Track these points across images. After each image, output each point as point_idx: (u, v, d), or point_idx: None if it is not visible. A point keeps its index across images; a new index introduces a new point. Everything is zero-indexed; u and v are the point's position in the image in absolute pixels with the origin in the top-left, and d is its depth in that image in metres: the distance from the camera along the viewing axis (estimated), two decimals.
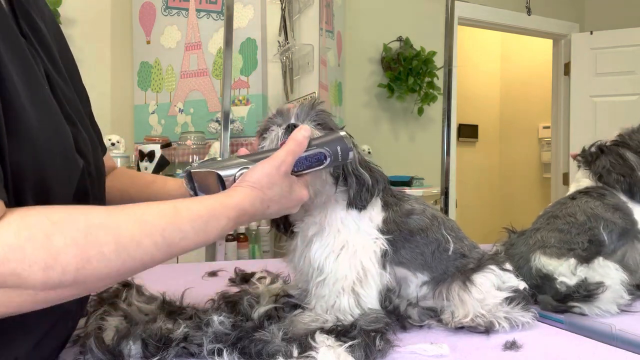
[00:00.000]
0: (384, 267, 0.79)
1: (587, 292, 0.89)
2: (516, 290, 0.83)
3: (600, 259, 0.93)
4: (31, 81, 0.56)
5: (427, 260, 0.82)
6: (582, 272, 0.92)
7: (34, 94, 0.56)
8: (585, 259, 0.93)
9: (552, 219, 1.03)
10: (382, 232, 0.80)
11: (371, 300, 0.77)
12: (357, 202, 0.80)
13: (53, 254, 0.48)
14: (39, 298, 0.49)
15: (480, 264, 0.83)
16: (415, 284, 0.84)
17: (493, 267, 0.83)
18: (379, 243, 0.79)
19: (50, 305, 0.51)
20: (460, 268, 0.83)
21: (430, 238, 0.82)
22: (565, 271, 0.92)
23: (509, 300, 0.81)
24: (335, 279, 0.76)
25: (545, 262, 0.95)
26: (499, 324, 0.79)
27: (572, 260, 0.93)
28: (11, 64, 0.53)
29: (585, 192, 1.06)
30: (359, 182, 0.80)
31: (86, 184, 0.64)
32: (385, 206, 0.82)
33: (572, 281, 0.91)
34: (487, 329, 0.79)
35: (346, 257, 0.77)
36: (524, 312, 0.82)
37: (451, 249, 0.83)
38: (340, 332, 0.70)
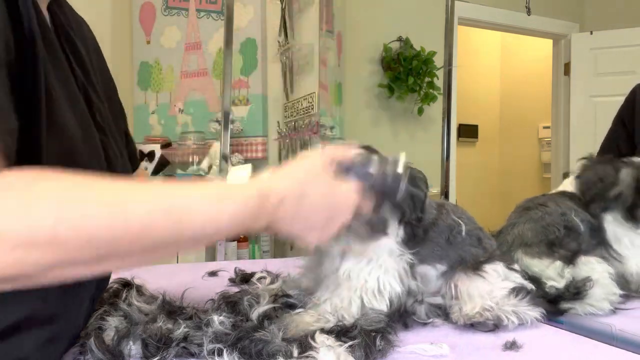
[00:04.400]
0: (402, 283, 0.79)
1: (575, 289, 0.89)
2: (521, 284, 0.83)
3: (582, 257, 0.94)
4: (69, 93, 0.61)
5: (443, 248, 0.84)
6: (570, 273, 0.92)
7: (72, 106, 0.61)
8: (570, 259, 0.94)
9: (524, 211, 1.05)
10: (405, 242, 0.80)
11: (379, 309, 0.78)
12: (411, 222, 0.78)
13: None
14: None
15: (490, 257, 0.85)
16: (436, 276, 0.85)
17: (501, 263, 0.84)
18: (405, 259, 0.79)
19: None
20: (474, 257, 0.84)
21: (441, 227, 0.84)
22: (553, 274, 0.93)
23: (516, 292, 0.81)
24: (358, 286, 0.77)
25: (529, 263, 0.96)
26: (508, 318, 0.79)
27: (558, 263, 0.93)
28: (52, 74, 0.57)
29: (561, 193, 1.09)
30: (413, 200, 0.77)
31: None
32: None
33: (561, 284, 0.91)
34: (496, 325, 0.79)
35: (375, 272, 0.77)
36: (531, 307, 0.82)
37: (464, 229, 0.84)
38: (341, 332, 0.70)
